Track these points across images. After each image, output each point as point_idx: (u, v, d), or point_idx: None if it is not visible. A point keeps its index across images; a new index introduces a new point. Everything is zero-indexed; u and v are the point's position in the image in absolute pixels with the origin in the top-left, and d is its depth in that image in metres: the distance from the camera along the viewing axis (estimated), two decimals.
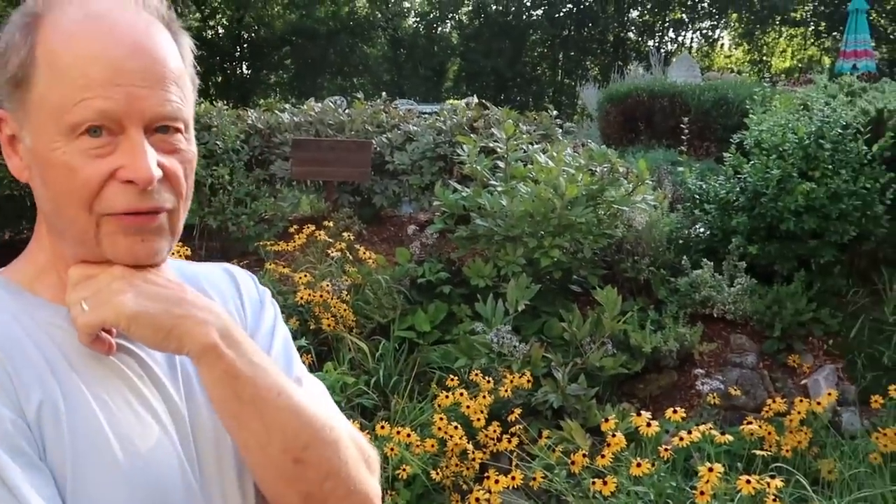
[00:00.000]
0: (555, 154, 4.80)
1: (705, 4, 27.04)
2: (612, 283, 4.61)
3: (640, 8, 27.96)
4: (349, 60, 26.54)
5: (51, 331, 0.81)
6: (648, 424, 2.85)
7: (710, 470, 2.53)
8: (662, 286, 4.79)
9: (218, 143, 5.89)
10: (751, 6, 25.54)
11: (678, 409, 3.01)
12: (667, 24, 28.15)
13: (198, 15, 23.02)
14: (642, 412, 2.97)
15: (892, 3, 22.94)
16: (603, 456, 2.82)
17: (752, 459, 3.23)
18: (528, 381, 3.69)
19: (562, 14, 27.29)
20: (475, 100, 7.38)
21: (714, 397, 3.90)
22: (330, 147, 6.18)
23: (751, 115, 5.39)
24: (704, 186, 5.34)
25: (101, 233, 0.80)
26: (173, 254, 0.90)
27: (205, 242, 5.70)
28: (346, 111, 7.19)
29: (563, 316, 4.31)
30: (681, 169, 6.02)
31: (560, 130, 6.93)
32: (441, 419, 3.36)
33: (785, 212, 4.58)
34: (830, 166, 4.57)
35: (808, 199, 4.50)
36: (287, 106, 7.45)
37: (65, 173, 0.78)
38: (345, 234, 5.13)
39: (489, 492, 2.89)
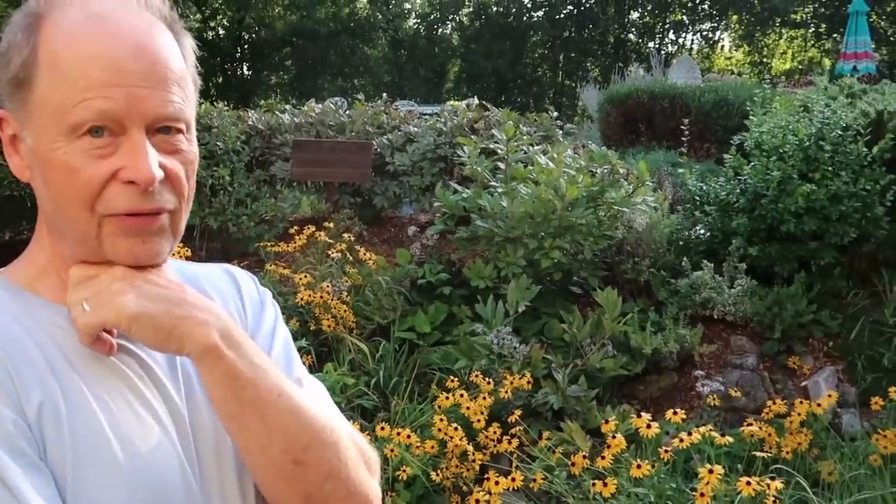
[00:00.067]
0: (555, 155, 4.81)
1: (706, 6, 27.05)
2: (612, 284, 4.61)
3: (640, 10, 27.97)
4: (350, 61, 26.56)
5: (51, 331, 0.81)
6: (648, 426, 2.85)
7: (711, 471, 2.53)
8: (663, 288, 4.79)
9: (218, 143, 5.89)
10: (751, 8, 25.55)
11: (678, 410, 3.01)
12: (667, 26, 28.16)
13: (199, 16, 23.05)
14: (642, 414, 2.96)
15: (893, 5, 22.94)
16: (603, 457, 2.81)
17: (752, 461, 3.23)
18: (529, 382, 3.69)
19: (562, 15, 27.31)
20: (476, 101, 7.38)
21: (714, 399, 3.90)
22: (330, 148, 6.18)
23: (751, 117, 5.39)
24: (705, 188, 5.34)
25: (102, 233, 0.80)
26: (174, 254, 0.90)
27: (205, 243, 5.70)
28: (347, 112, 7.20)
29: (564, 317, 4.31)
30: (681, 170, 6.02)
31: (560, 132, 6.94)
32: (441, 420, 3.35)
33: (785, 213, 4.58)
34: (830, 168, 4.57)
35: (808, 200, 4.50)
36: (288, 107, 7.46)
37: (66, 174, 0.78)
38: (345, 235, 5.13)
39: (489, 493, 2.88)
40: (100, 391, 0.80)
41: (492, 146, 5.05)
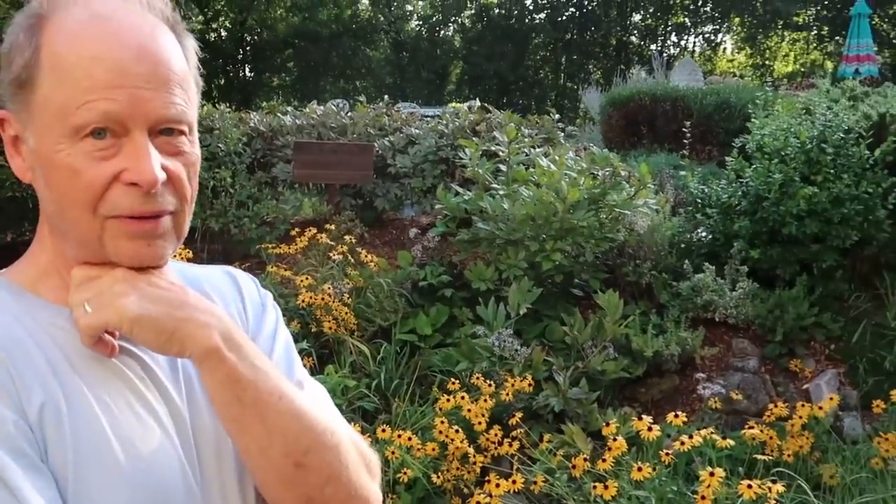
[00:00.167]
0: (557, 158, 4.80)
1: (708, 8, 27.07)
2: (613, 286, 4.60)
3: (642, 12, 28.00)
4: (352, 63, 26.59)
5: (53, 332, 0.81)
6: (650, 429, 2.84)
7: (712, 474, 2.53)
8: (664, 290, 4.78)
9: (220, 145, 5.89)
10: (753, 10, 25.56)
11: (679, 413, 3.01)
12: (669, 28, 28.18)
13: (201, 17, 23.09)
14: (643, 416, 2.96)
15: (895, 7, 22.94)
16: (604, 460, 2.81)
17: (753, 464, 3.23)
18: (530, 384, 3.69)
19: (564, 18, 27.34)
20: (477, 103, 7.39)
21: (715, 401, 3.90)
22: (332, 150, 6.18)
23: (753, 120, 5.39)
24: (706, 190, 5.34)
25: (105, 235, 0.80)
26: (175, 256, 0.90)
27: (207, 245, 5.70)
28: (349, 114, 7.21)
29: (565, 320, 4.31)
30: (683, 173, 6.01)
31: (562, 134, 6.94)
32: (442, 423, 3.35)
33: (787, 216, 4.58)
34: (832, 171, 4.56)
35: (810, 203, 4.50)
36: (289, 109, 7.46)
37: (68, 175, 0.78)
38: (346, 237, 5.13)
39: (490, 495, 2.88)
40: (101, 392, 0.80)
41: (493, 148, 5.05)
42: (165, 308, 0.79)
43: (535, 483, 3.04)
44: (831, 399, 3.71)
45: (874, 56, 11.63)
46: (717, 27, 28.11)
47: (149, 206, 0.79)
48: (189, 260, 3.74)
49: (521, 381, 3.68)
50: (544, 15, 27.48)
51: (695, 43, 28.70)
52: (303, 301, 4.27)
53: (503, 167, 4.98)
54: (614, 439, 2.86)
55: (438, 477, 3.22)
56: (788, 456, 3.41)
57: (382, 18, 27.84)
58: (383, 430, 3.32)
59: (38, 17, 0.80)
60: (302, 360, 1.09)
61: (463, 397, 3.53)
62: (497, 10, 27.80)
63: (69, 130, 0.77)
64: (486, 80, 26.50)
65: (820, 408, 3.58)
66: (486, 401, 3.51)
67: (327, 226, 5.28)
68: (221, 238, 5.80)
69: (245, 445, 0.82)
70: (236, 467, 0.87)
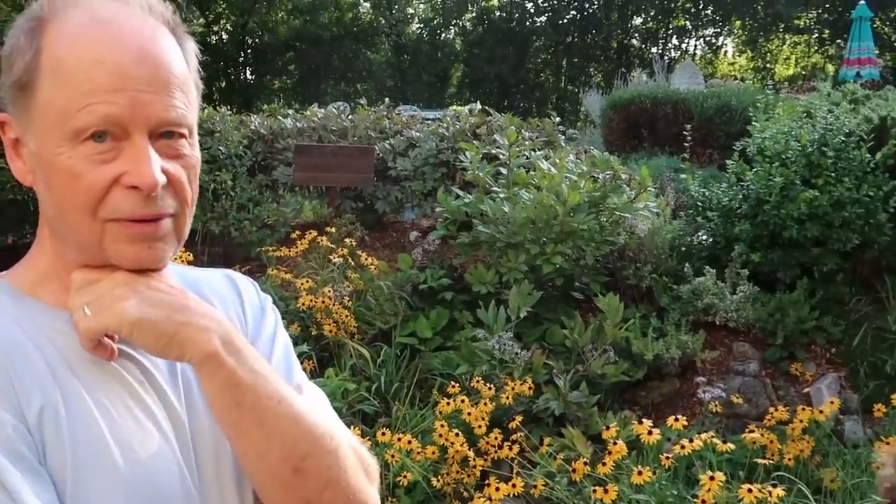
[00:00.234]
0: (557, 161, 4.81)
1: (709, 12, 27.07)
2: (614, 290, 4.60)
3: (643, 15, 27.99)
4: (353, 66, 26.60)
5: (52, 335, 0.81)
6: (650, 432, 2.84)
7: (712, 478, 2.53)
8: (665, 293, 4.78)
9: (221, 148, 5.90)
10: (754, 14, 25.56)
11: (680, 416, 3.01)
12: (670, 31, 28.18)
13: (202, 20, 23.11)
14: (644, 420, 2.96)
15: None
16: (604, 464, 2.81)
17: (753, 468, 3.22)
18: (530, 388, 3.69)
19: (565, 21, 27.33)
20: (478, 106, 7.39)
21: (716, 405, 3.89)
22: (333, 153, 6.19)
23: (754, 123, 5.39)
24: (707, 194, 5.34)
25: (105, 239, 0.80)
26: (175, 258, 0.90)
27: (207, 248, 5.70)
28: (349, 117, 7.21)
29: (565, 323, 4.31)
30: (683, 176, 6.02)
31: (563, 137, 6.94)
32: (442, 426, 3.35)
33: (788, 219, 4.58)
34: (833, 174, 4.56)
35: (810, 206, 4.50)
36: (290, 111, 7.47)
37: (69, 178, 0.78)
38: (347, 239, 5.13)
39: (490, 499, 2.88)
40: (100, 396, 0.79)
41: (494, 151, 5.06)
42: (165, 312, 0.79)
43: (535, 487, 3.04)
44: (832, 403, 3.70)
45: (875, 59, 11.64)
46: (718, 30, 28.11)
47: (149, 209, 0.79)
48: (190, 263, 3.75)
49: (522, 384, 3.68)
50: (545, 18, 27.48)
51: (696, 46, 28.71)
52: (303, 304, 4.27)
53: (504, 170, 4.98)
54: (614, 443, 2.86)
55: (438, 480, 3.21)
56: (789, 460, 3.41)
57: (383, 21, 27.86)
58: (383, 434, 3.31)
59: (39, 20, 0.80)
60: (302, 363, 1.10)
61: (463, 401, 3.53)
62: (498, 13, 27.81)
63: (69, 133, 0.77)
64: (487, 83, 26.50)
65: (821, 411, 3.58)
66: (486, 404, 3.51)
67: (328, 229, 5.29)
68: (222, 241, 5.80)
69: (244, 450, 0.82)
70: (235, 472, 0.86)
